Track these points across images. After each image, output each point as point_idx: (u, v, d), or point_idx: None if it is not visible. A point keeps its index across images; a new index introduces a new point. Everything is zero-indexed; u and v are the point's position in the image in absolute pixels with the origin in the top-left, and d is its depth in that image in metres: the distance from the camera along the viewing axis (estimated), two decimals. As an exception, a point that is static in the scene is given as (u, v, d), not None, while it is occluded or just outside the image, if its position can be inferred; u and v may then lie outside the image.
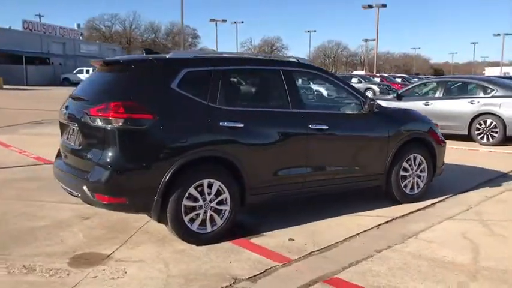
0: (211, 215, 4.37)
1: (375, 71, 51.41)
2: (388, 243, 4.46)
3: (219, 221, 4.41)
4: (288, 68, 5.05)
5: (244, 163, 4.45)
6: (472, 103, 11.10)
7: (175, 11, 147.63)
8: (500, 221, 5.14)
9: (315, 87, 16.69)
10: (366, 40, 78.65)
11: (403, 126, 5.72)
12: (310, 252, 4.21)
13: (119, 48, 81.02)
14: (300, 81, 5.28)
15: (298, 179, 4.91)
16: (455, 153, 9.07)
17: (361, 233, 4.75)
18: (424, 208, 5.66)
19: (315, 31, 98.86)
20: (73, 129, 4.52)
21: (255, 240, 4.50)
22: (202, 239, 4.34)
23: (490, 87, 11.21)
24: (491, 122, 10.84)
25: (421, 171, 5.91)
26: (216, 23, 62.70)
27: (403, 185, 5.75)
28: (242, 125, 4.45)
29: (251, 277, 3.69)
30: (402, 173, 5.71)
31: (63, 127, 4.82)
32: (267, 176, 4.68)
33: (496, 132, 10.80)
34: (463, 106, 11.13)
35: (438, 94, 11.82)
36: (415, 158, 5.82)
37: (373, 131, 5.48)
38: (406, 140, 5.67)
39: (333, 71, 79.17)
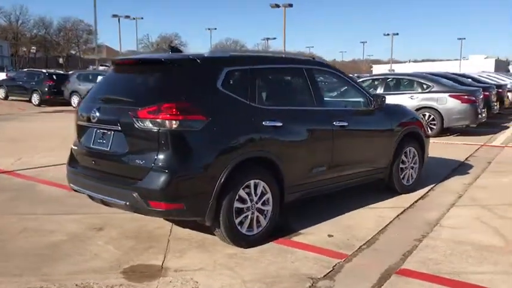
0: (256, 216, 4.28)
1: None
2: (420, 232, 4.67)
3: (263, 222, 4.33)
4: (309, 66, 5.08)
5: (284, 162, 4.41)
6: (411, 98, 11.93)
7: (69, 6, 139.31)
8: (497, 205, 5.61)
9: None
10: (267, 39, 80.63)
11: (401, 120, 6.03)
12: (360, 247, 4.28)
13: (6, 45, 74.77)
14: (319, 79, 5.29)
15: (326, 176, 4.97)
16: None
17: (388, 224, 4.92)
18: (422, 197, 6.00)
19: (215, 29, 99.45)
20: (104, 132, 4.20)
21: (297, 239, 4.47)
22: (250, 241, 4.23)
23: (427, 83, 12.14)
24: (430, 115, 11.74)
25: (414, 163, 6.26)
26: (119, 19, 60.17)
27: (401, 176, 6.05)
28: (281, 124, 4.40)
29: (326, 275, 3.67)
30: (401, 165, 6.01)
31: (84, 130, 4.44)
32: (302, 173, 4.68)
33: (435, 125, 11.71)
34: (403, 101, 11.87)
35: (379, 90, 12.51)
36: (410, 151, 6.15)
37: (381, 126, 5.71)
38: (404, 134, 5.98)
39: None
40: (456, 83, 13.14)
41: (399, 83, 12.96)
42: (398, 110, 6.28)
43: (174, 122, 3.78)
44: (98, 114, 4.21)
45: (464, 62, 77.35)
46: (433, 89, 11.94)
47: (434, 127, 11.68)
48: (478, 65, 69.74)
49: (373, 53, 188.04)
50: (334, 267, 3.82)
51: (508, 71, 79.76)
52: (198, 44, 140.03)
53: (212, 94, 4.09)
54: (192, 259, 3.98)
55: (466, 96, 11.81)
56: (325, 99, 5.42)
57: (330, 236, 4.55)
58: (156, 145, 3.82)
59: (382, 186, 6.07)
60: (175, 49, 4.71)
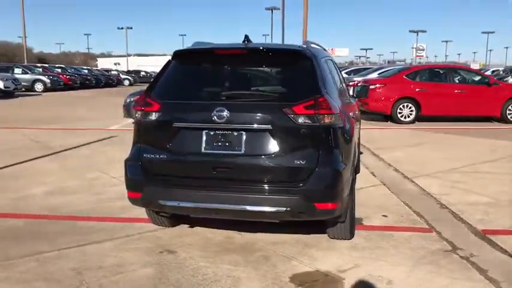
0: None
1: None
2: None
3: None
4: None
5: None
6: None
7: None
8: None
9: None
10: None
11: None
12: (427, 220, 4.76)
13: None
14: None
15: None
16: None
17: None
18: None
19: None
20: (230, 133, 3.57)
21: (367, 223, 4.68)
22: (354, 232, 4.25)
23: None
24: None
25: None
26: None
27: None
28: None
29: (452, 249, 4.04)
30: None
31: (186, 134, 3.66)
32: None
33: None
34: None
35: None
36: None
37: None
38: None
39: None
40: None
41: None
42: None
43: (331, 116, 3.53)
44: (225, 113, 3.51)
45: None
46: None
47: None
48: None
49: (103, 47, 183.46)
50: (446, 240, 4.22)
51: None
52: None
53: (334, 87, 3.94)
54: (329, 257, 3.79)
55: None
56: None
57: (383, 216, 4.89)
58: (316, 142, 3.50)
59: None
60: (248, 38, 4.18)
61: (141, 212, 4.96)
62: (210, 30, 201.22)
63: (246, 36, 4.08)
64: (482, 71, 20.19)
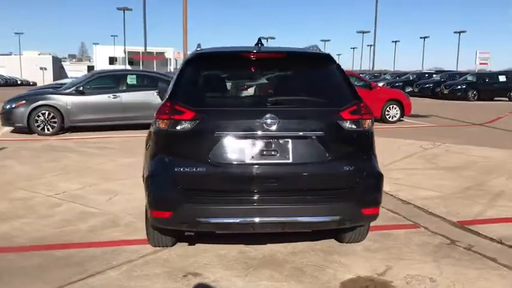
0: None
1: None
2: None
3: None
4: None
5: None
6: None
7: None
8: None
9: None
10: None
11: None
12: (405, 217, 5.04)
13: None
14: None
15: None
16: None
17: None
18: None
19: None
20: (275, 141, 3.38)
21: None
22: None
23: (163, 78, 12.59)
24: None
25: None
26: None
27: None
28: None
29: (451, 243, 4.35)
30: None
31: (228, 143, 3.35)
32: None
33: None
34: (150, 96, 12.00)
35: (122, 87, 12.10)
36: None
37: None
38: None
39: None
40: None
41: (141, 79, 12.89)
42: None
43: (370, 121, 3.56)
44: (275, 120, 3.29)
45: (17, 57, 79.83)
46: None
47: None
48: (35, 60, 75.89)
49: None
50: (438, 234, 4.52)
51: (62, 67, 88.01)
52: None
53: None
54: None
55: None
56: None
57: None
58: (361, 147, 3.53)
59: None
60: (261, 41, 3.93)
61: (120, 233, 4.49)
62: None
63: (259, 40, 3.90)
64: (364, 76, 21.82)
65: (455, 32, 64.39)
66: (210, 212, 3.33)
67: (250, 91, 3.72)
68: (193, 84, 3.58)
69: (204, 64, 3.69)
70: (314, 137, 3.42)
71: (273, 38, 71.49)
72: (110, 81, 12.62)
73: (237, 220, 3.35)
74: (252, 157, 3.37)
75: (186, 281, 3.47)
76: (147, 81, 12.86)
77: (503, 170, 7.46)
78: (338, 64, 3.78)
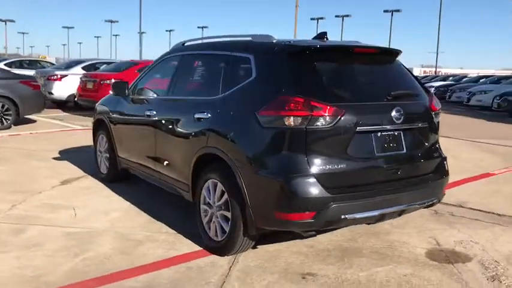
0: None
1: None
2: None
3: None
4: None
5: None
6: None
7: None
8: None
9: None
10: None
11: None
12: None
13: None
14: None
15: None
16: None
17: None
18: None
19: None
20: (393, 134, 3.62)
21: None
22: None
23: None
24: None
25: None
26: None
27: None
28: None
29: (436, 212, 5.18)
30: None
31: (359, 137, 3.43)
32: None
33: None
34: None
35: None
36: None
37: None
38: None
39: None
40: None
41: None
42: None
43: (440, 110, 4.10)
44: (401, 113, 3.54)
45: None
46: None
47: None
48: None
49: None
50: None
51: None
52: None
53: None
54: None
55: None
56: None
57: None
58: (437, 135, 4.01)
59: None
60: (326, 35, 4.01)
61: (163, 250, 3.92)
62: None
63: (325, 33, 4.03)
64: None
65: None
66: (354, 207, 3.34)
67: (373, 84, 3.79)
68: (309, 78, 3.46)
69: (313, 58, 3.53)
70: (421, 128, 3.82)
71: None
72: None
73: (377, 213, 3.47)
74: (379, 150, 3.53)
75: (305, 283, 3.41)
76: None
77: None
78: (394, 59, 4.07)
